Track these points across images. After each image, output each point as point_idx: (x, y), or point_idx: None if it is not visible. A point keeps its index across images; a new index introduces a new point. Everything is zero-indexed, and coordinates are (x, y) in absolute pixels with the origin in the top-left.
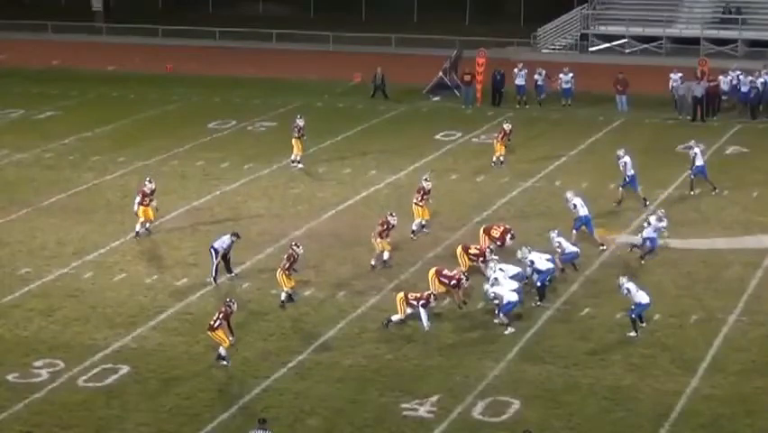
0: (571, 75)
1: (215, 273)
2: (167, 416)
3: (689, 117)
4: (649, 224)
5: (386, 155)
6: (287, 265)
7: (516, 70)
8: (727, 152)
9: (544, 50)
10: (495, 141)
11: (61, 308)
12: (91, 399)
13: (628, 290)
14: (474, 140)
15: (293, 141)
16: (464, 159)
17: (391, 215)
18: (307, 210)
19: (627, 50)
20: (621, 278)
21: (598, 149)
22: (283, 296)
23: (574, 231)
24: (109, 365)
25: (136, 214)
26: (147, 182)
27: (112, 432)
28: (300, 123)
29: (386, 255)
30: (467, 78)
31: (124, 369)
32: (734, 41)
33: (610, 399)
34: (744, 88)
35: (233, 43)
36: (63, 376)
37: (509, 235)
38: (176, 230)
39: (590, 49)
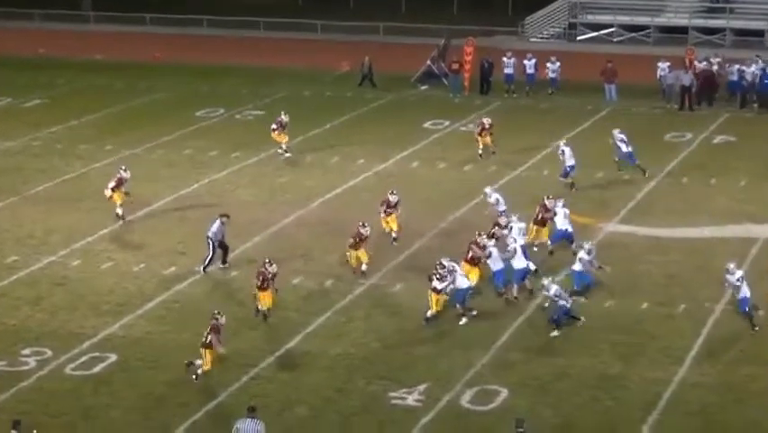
0: (557, 64)
1: (208, 263)
2: (155, 404)
3: (676, 106)
4: (580, 259)
5: (374, 144)
6: (257, 283)
7: (504, 59)
8: (715, 141)
9: (532, 39)
10: (476, 135)
11: (49, 296)
12: (79, 387)
13: (740, 279)
14: (462, 128)
15: (273, 135)
16: (452, 148)
17: (363, 225)
18: (295, 199)
19: (615, 39)
20: (730, 265)
21: (586, 137)
22: (260, 306)
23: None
24: (97, 354)
25: (110, 198)
26: (122, 171)
27: (100, 420)
28: (285, 119)
29: (363, 267)
30: (455, 66)
31: (112, 357)
32: (722, 30)
33: (599, 387)
34: (732, 77)
35: (220, 32)
36: (51, 364)
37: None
38: (163, 218)
39: (578, 38)
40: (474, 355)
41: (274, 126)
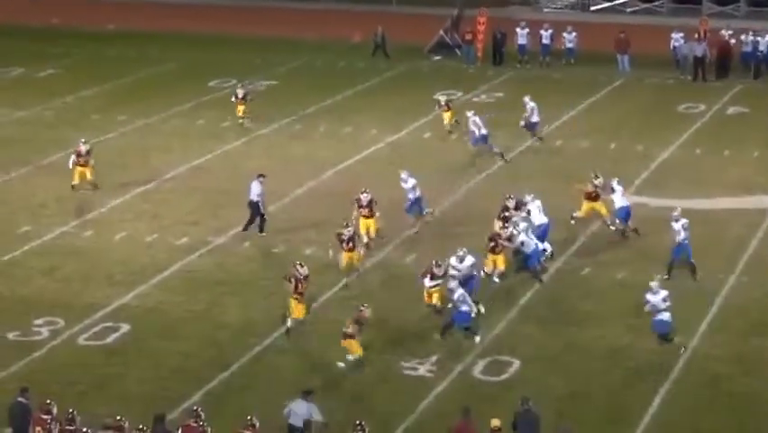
0: (574, 34)
1: (261, 224)
2: (167, 373)
3: (690, 77)
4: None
5: (386, 114)
6: (292, 288)
7: (518, 30)
8: (729, 112)
9: (545, 10)
10: (440, 112)
11: (62, 266)
12: (92, 357)
13: (665, 299)
14: (475, 99)
15: (237, 107)
16: (465, 118)
17: (346, 225)
18: (308, 169)
19: (629, 10)
20: (653, 283)
21: (599, 109)
22: (290, 323)
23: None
24: (110, 324)
25: (71, 170)
26: (81, 143)
27: (113, 390)
28: (240, 92)
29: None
30: (468, 37)
31: (125, 327)
32: (736, 0)
33: (610, 359)
34: (746, 48)
35: (233, 2)
36: (64, 334)
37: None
38: (176, 189)
39: (592, 8)
40: (486, 327)
41: (233, 99)
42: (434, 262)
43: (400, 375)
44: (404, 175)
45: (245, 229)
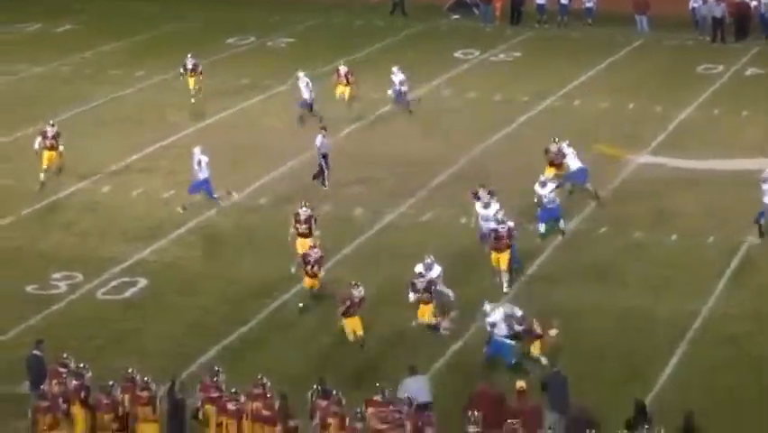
0: None
1: (323, 178)
2: (184, 329)
3: (708, 38)
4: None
5: (404, 73)
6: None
7: None
8: (747, 73)
9: None
10: (334, 82)
11: (79, 221)
12: (109, 311)
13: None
14: (493, 58)
15: (188, 79)
16: (483, 77)
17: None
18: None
19: None
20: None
21: (618, 69)
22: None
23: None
24: (127, 278)
25: (37, 154)
26: (49, 125)
27: (130, 344)
28: (189, 63)
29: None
30: None
31: (143, 282)
32: None
33: (627, 319)
34: (764, 10)
35: None
36: (82, 288)
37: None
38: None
39: None
40: (500, 286)
41: (182, 70)
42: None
43: (416, 333)
44: (196, 151)
45: (317, 178)
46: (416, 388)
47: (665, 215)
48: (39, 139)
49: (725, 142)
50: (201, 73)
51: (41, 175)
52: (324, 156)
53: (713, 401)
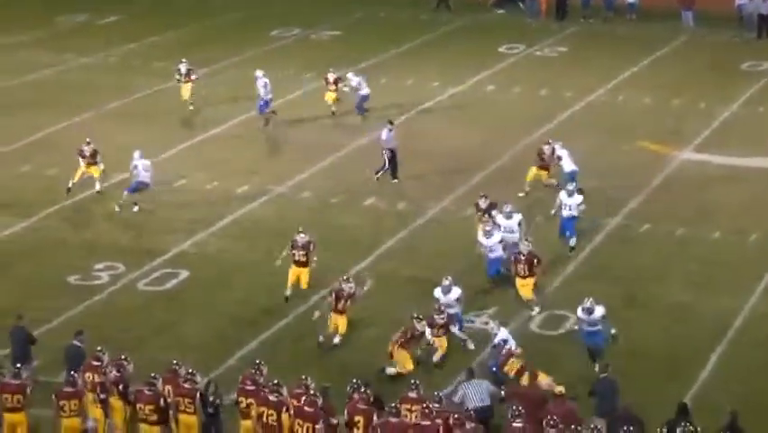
0: None
1: (381, 171)
2: (226, 321)
3: (754, 35)
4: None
5: (448, 67)
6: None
7: None
8: None
9: None
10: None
11: (122, 212)
12: (151, 302)
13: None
14: (538, 53)
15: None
16: (527, 72)
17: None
18: (369, 120)
19: None
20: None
21: (662, 65)
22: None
23: None
24: (169, 270)
25: (81, 171)
26: (85, 144)
27: (171, 335)
28: (183, 68)
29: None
30: None
31: (184, 274)
32: None
33: (668, 315)
34: None
35: None
36: (123, 279)
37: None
38: (236, 138)
39: None
40: (544, 282)
41: (177, 77)
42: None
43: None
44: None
45: (392, 175)
46: (475, 391)
47: (708, 212)
48: (80, 159)
49: None
50: (195, 80)
51: (70, 182)
52: (392, 151)
53: (752, 403)
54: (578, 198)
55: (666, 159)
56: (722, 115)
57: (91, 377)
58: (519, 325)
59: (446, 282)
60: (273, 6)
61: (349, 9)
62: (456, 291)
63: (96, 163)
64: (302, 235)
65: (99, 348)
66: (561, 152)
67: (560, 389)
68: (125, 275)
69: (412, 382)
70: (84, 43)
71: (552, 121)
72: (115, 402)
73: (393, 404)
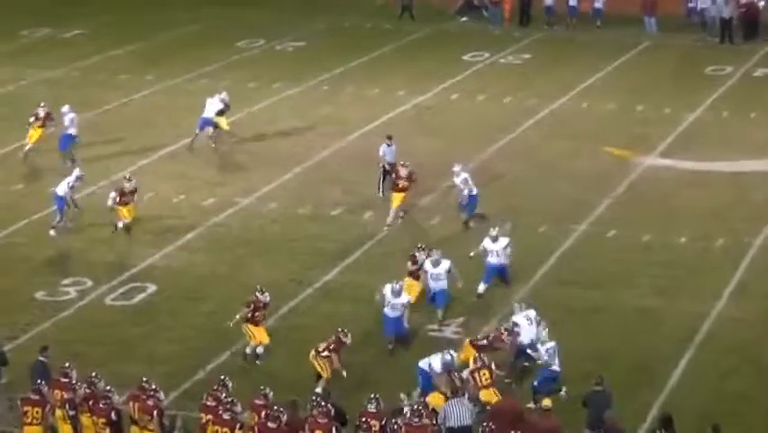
0: None
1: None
2: (194, 334)
3: (717, 39)
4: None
5: (413, 76)
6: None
7: None
8: (756, 74)
9: None
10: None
11: (89, 226)
12: (119, 317)
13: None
14: (502, 61)
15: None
16: (492, 80)
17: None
18: (335, 130)
19: None
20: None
21: (626, 71)
22: (248, 349)
23: None
24: (137, 284)
25: (111, 209)
26: (126, 181)
27: (139, 350)
28: (41, 112)
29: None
30: None
31: (152, 288)
32: None
33: (636, 321)
34: None
35: None
36: (91, 294)
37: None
38: (203, 150)
39: None
40: (511, 289)
41: (31, 120)
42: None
43: (426, 337)
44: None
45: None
46: (457, 410)
47: (674, 217)
48: (114, 195)
49: (733, 143)
50: (50, 125)
51: (119, 224)
52: (391, 165)
53: (722, 407)
54: (503, 242)
55: (631, 165)
56: (687, 120)
57: (60, 394)
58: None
59: (435, 256)
60: (238, 18)
61: (313, 19)
62: (446, 263)
63: (128, 204)
64: (264, 295)
65: (67, 364)
66: (462, 175)
67: (546, 403)
68: (93, 290)
69: (372, 395)
70: (47, 57)
71: (516, 129)
72: (86, 419)
73: (358, 422)
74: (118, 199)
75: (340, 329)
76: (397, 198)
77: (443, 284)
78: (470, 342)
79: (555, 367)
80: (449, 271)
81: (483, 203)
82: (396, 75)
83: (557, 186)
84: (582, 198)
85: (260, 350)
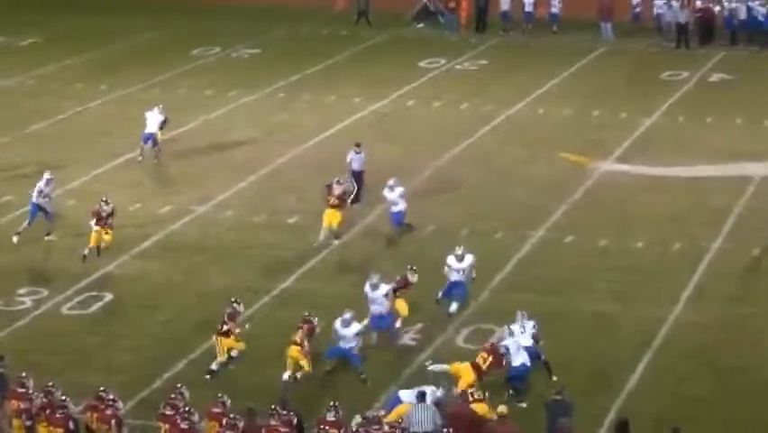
0: (558, 0)
1: (353, 197)
2: (151, 342)
3: (673, 44)
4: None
5: (370, 82)
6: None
7: None
8: (711, 79)
9: None
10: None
11: (44, 235)
12: (75, 326)
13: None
14: (458, 67)
15: None
16: (448, 86)
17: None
18: (291, 138)
19: None
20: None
21: (582, 76)
22: (214, 365)
23: None
24: (93, 293)
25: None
26: (103, 204)
27: (96, 359)
28: None
29: (234, 352)
30: (451, 4)
31: (108, 296)
32: None
33: (594, 327)
34: (726, 13)
35: None
36: (47, 304)
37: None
38: (158, 158)
39: None
40: (470, 296)
41: None
42: None
43: (384, 345)
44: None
45: (354, 201)
46: (421, 417)
47: (630, 222)
48: (95, 220)
49: (690, 148)
50: None
51: (86, 250)
52: (359, 173)
53: (680, 411)
54: (468, 259)
55: (588, 170)
56: (643, 125)
57: (16, 404)
58: (446, 339)
59: (374, 280)
60: (193, 26)
61: (269, 26)
62: (384, 288)
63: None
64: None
65: (23, 374)
66: (399, 189)
67: (501, 409)
68: (49, 299)
69: (330, 403)
70: (1, 65)
71: (473, 135)
72: (43, 429)
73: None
74: (94, 223)
75: (307, 314)
76: (328, 216)
77: (380, 308)
78: (472, 365)
79: (526, 362)
80: (386, 296)
81: (441, 209)
82: (352, 82)
83: (514, 192)
84: (539, 203)
85: (234, 353)
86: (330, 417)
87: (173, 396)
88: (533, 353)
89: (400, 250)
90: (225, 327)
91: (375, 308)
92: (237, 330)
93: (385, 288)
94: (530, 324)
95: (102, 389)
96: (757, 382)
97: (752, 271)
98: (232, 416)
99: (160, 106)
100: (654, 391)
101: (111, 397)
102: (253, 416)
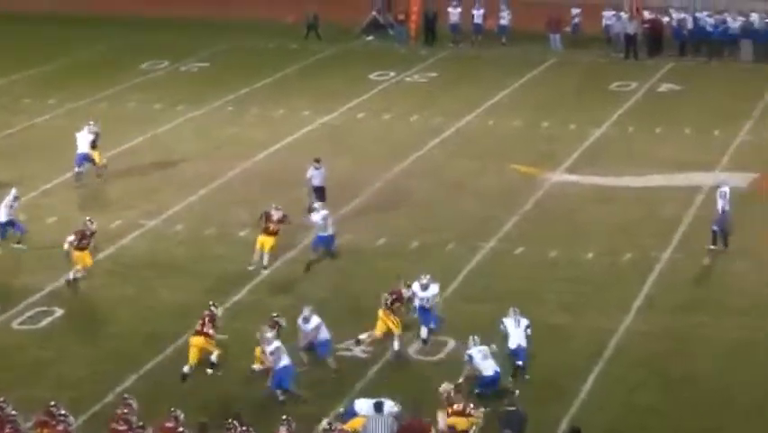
0: (507, 12)
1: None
2: (102, 357)
3: (621, 55)
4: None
5: (319, 95)
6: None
7: (450, 9)
8: (660, 89)
9: None
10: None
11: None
12: (26, 341)
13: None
14: (408, 79)
15: None
16: (398, 98)
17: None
18: (240, 151)
19: None
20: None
21: (532, 88)
22: (185, 368)
23: None
24: (44, 308)
25: (67, 254)
26: (89, 222)
27: (48, 374)
28: None
29: (213, 357)
30: (401, 17)
31: (59, 312)
32: None
33: (544, 337)
34: (674, 24)
35: None
36: None
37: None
38: (108, 173)
39: None
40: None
41: None
42: None
43: (335, 356)
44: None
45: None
46: (378, 427)
47: (580, 233)
48: (72, 238)
49: (639, 159)
50: None
51: (70, 274)
52: (318, 189)
53: (631, 421)
54: (434, 289)
55: (538, 181)
56: (592, 135)
57: None
58: (397, 351)
59: (306, 312)
60: (142, 39)
61: (217, 40)
62: (315, 320)
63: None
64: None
65: None
66: (323, 212)
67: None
68: None
69: (283, 417)
70: None
71: (423, 147)
72: None
73: None
74: (76, 243)
75: (275, 314)
76: (265, 242)
77: (323, 336)
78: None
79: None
80: (318, 327)
81: (391, 221)
82: (301, 95)
83: (464, 204)
84: (489, 215)
85: (213, 357)
86: (283, 430)
87: (125, 410)
88: (523, 352)
89: (349, 261)
90: (204, 329)
91: (303, 343)
92: (212, 333)
93: (316, 320)
94: (524, 321)
95: (53, 404)
96: (707, 391)
97: (701, 280)
98: (182, 430)
99: (91, 123)
100: (606, 401)
101: (62, 412)
102: (205, 430)
